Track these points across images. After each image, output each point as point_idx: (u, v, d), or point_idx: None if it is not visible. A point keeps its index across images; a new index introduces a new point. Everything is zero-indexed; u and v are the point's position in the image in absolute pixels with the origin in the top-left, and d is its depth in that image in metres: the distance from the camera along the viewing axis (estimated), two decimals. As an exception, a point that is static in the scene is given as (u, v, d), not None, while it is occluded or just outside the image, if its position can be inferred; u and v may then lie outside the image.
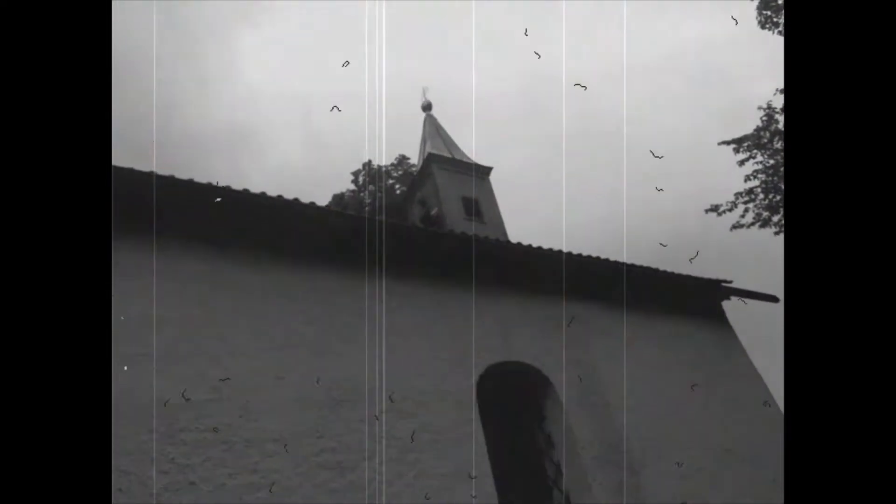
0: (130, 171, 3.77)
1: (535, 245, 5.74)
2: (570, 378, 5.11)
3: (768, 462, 5.52)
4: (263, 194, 4.41)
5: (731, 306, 7.16)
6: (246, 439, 3.41)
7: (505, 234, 15.06)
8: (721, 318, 6.96)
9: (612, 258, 6.18)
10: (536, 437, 4.95)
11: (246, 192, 4.35)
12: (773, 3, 12.34)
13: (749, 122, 14.29)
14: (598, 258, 6.08)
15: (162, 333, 3.50)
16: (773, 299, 7.16)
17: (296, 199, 4.56)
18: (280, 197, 4.48)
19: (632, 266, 6.21)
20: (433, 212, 14.83)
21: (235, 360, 3.64)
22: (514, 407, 5.05)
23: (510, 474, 4.54)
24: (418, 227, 5.43)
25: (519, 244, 5.71)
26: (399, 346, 4.45)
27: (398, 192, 24.93)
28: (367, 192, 26.06)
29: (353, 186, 26.52)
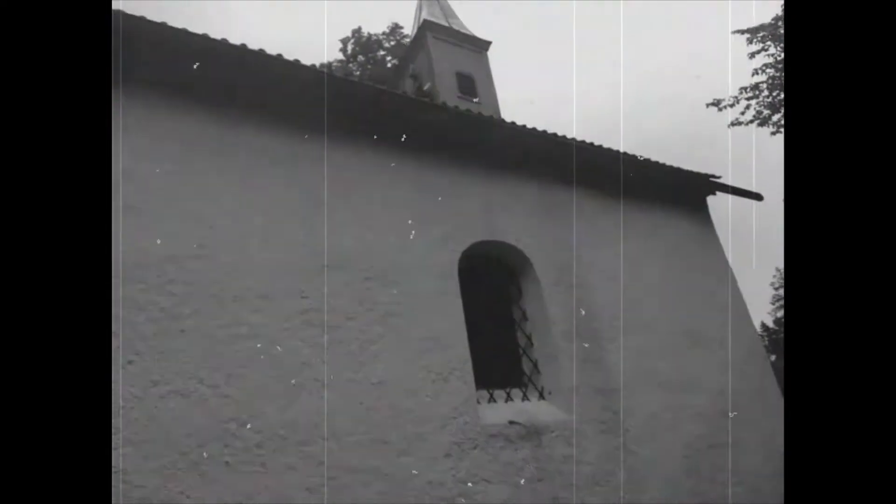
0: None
1: (528, 126, 5.57)
2: (549, 259, 5.26)
3: (729, 346, 5.97)
4: (244, 46, 4.09)
5: (714, 202, 7.25)
6: (233, 295, 3.52)
7: (498, 112, 14.56)
8: (703, 213, 7.07)
9: (605, 145, 6.07)
10: (512, 311, 5.22)
11: (225, 41, 4.02)
12: None
13: (771, 11, 13.33)
14: (590, 143, 5.97)
15: (141, 188, 3.43)
16: (758, 197, 7.24)
17: (279, 55, 4.26)
18: (262, 51, 4.17)
19: (624, 154, 6.13)
20: (426, 86, 14.12)
21: (219, 221, 3.63)
22: (494, 283, 5.25)
23: (484, 343, 4.85)
24: (411, 97, 5.17)
25: (512, 123, 5.53)
26: (385, 218, 4.47)
27: (389, 64, 23.47)
28: (356, 63, 24.52)
29: (341, 56, 24.85)
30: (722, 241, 6.99)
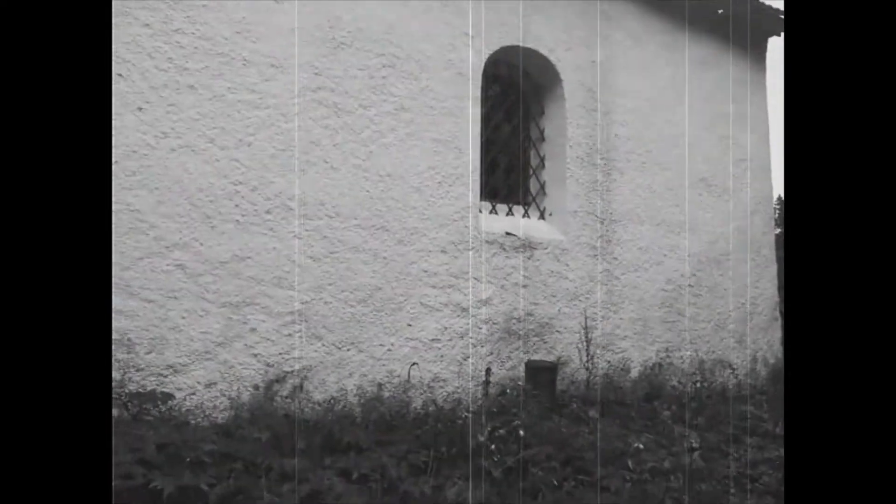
0: None
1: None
2: (580, 78, 4.92)
3: (738, 197, 5.94)
4: None
5: (775, 44, 6.51)
6: (244, 58, 3.36)
7: None
8: (761, 54, 6.40)
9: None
10: (531, 128, 5.06)
11: None
12: None
13: None
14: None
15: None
16: (826, 47, 6.48)
17: None
18: None
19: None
20: None
21: (229, -32, 3.28)
22: (517, 95, 4.99)
23: (497, 155, 4.80)
24: None
25: None
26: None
27: None
28: None
29: None
30: (770, 90, 6.46)
